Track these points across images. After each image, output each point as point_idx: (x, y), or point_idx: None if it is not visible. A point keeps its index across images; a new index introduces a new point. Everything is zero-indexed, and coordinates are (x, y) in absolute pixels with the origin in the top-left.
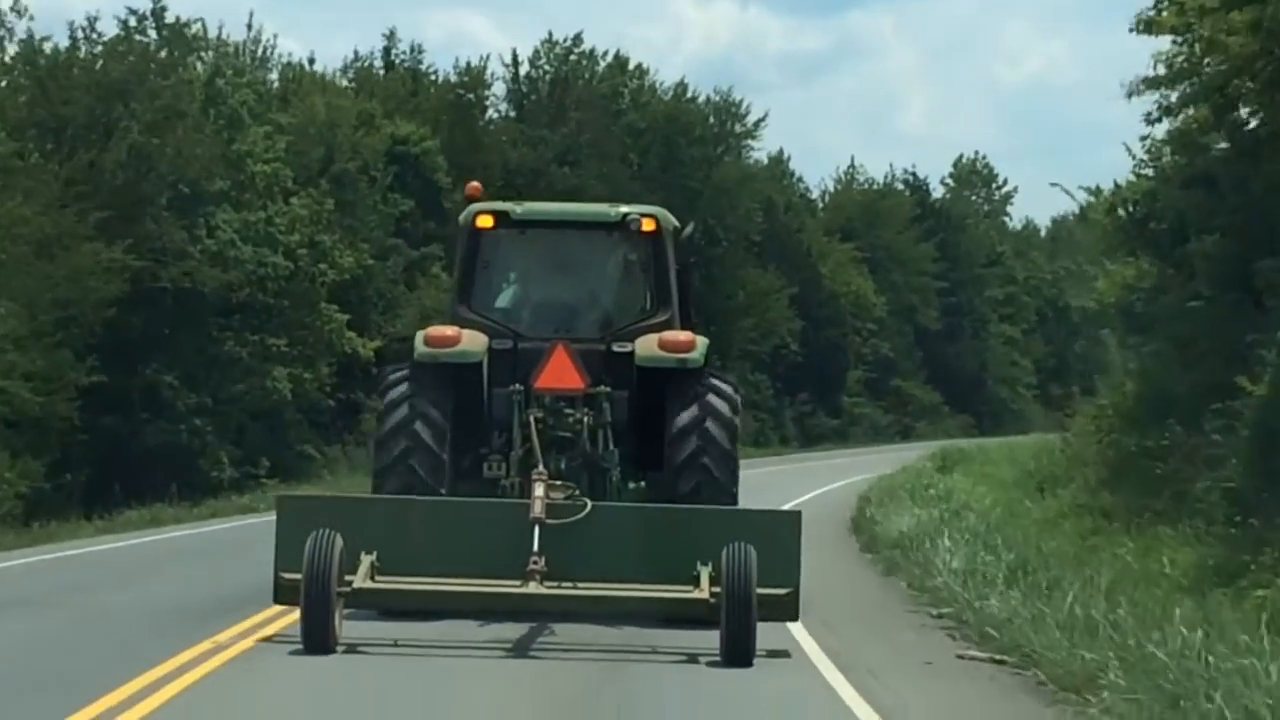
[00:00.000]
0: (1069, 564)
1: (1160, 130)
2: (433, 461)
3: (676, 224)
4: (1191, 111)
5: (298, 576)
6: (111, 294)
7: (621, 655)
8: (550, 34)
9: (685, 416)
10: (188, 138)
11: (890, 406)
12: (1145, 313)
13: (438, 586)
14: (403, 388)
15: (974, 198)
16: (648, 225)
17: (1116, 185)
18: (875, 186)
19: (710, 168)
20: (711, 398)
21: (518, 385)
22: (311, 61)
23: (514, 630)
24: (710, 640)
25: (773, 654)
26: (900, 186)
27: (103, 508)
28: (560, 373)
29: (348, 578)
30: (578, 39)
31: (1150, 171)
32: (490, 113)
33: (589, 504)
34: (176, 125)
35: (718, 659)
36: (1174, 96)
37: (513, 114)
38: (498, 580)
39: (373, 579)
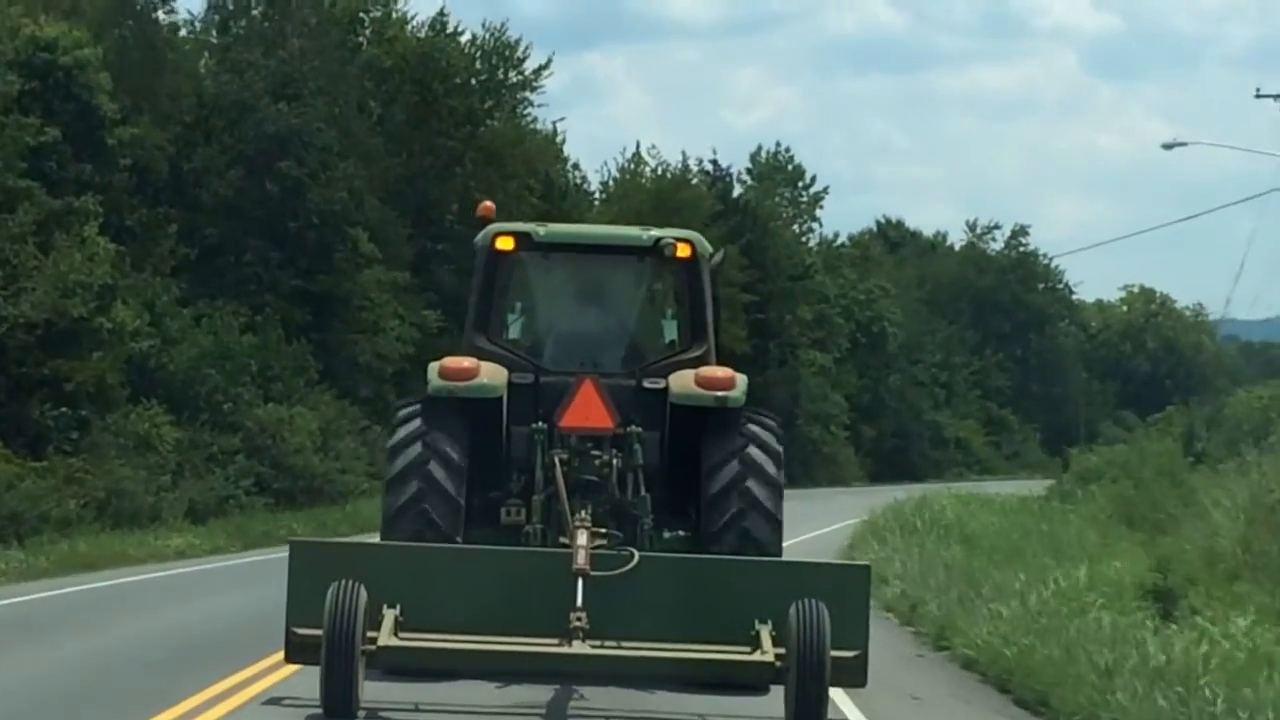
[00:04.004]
0: None
1: None
2: (448, 505)
3: (711, 249)
4: None
5: (313, 632)
6: None
7: None
8: None
9: (725, 475)
10: None
11: None
12: None
13: (471, 645)
14: (414, 424)
15: (779, 198)
16: (683, 251)
17: None
18: (669, 174)
19: (475, 125)
20: (753, 450)
21: (540, 423)
22: None
23: (540, 693)
24: (758, 706)
25: None
26: (696, 180)
27: None
28: (588, 410)
29: (370, 634)
30: None
31: None
32: (182, 31)
33: (636, 555)
34: None
35: None
36: None
37: (213, 36)
38: (535, 638)
39: (397, 635)
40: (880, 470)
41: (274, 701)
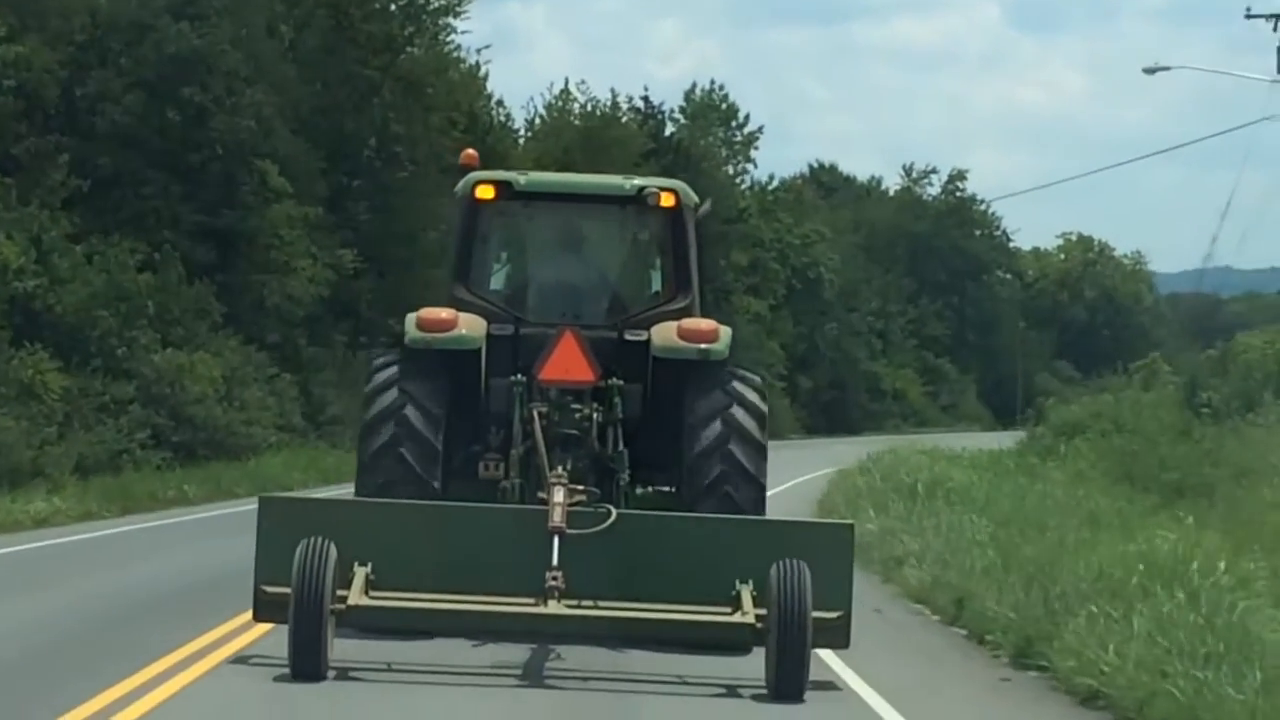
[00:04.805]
0: None
1: None
2: (425, 450)
3: (696, 199)
4: None
5: (282, 590)
6: None
7: (646, 684)
8: None
9: (707, 436)
10: None
11: None
12: None
13: (444, 604)
14: (391, 371)
15: (712, 138)
16: (667, 200)
17: None
18: (599, 111)
19: (394, 52)
20: (736, 411)
21: (519, 376)
22: None
23: (517, 653)
24: (743, 667)
25: (819, 685)
26: (626, 119)
27: None
28: (568, 363)
29: (340, 592)
30: None
31: None
32: None
33: (613, 512)
34: None
35: (760, 691)
36: None
37: None
38: (510, 597)
39: (368, 594)
40: (816, 423)
41: (241, 661)
